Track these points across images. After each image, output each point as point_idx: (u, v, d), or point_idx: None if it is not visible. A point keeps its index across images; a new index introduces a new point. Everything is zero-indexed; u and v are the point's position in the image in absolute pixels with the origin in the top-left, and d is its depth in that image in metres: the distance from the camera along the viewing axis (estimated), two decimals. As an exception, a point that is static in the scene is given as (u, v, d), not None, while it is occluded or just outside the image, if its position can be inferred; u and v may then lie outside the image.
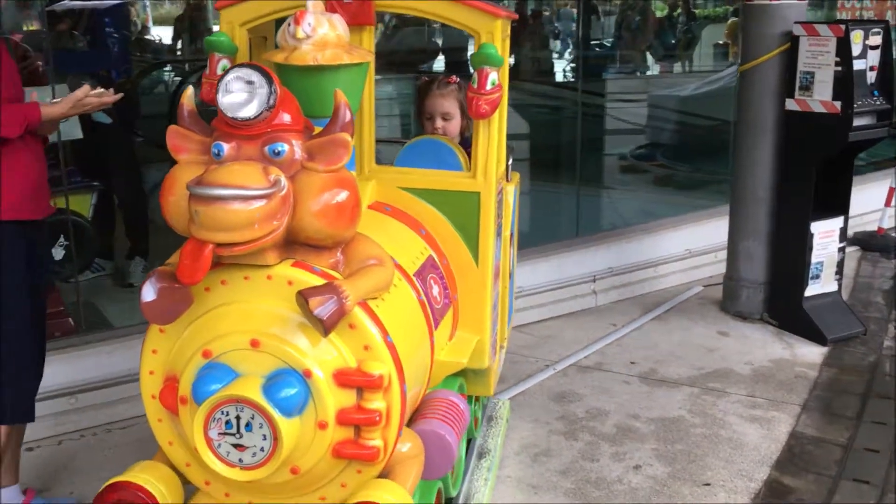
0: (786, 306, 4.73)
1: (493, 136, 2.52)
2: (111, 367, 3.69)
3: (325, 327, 1.81)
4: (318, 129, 2.03)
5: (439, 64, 9.80)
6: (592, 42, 10.59)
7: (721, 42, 10.48)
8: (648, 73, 10.72)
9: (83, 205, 4.58)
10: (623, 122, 8.53)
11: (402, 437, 2.12)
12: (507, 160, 3.17)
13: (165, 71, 7.18)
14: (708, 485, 3.28)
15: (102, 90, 2.61)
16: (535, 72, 9.10)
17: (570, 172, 5.94)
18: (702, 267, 5.60)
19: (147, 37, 7.95)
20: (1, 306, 2.58)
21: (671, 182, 8.16)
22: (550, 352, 4.53)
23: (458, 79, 3.02)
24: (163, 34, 8.17)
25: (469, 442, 3.25)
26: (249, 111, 1.88)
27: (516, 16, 2.72)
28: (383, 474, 2.05)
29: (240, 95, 1.88)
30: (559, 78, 9.16)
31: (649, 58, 10.90)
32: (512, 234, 3.24)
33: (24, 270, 2.61)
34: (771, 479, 3.33)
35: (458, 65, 9.13)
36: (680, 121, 8.84)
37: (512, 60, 9.72)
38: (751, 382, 4.15)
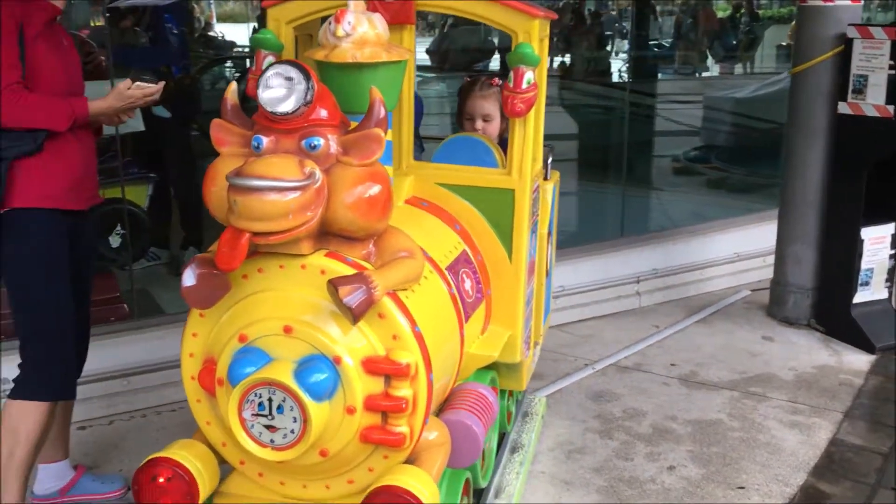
0: (834, 313, 4.67)
1: (529, 134, 2.57)
2: (162, 351, 3.82)
3: (353, 315, 1.88)
4: (355, 125, 2.10)
5: (495, 63, 9.85)
6: (651, 42, 10.54)
7: (784, 43, 10.32)
8: (707, 74, 10.62)
9: (140, 195, 4.75)
10: (676, 123, 8.46)
11: (430, 425, 2.18)
12: (547, 159, 3.21)
13: (226, 67, 7.36)
14: (742, 488, 3.27)
15: (144, 84, 2.70)
16: (588, 72, 9.09)
17: (618, 173, 5.94)
18: (750, 271, 5.54)
19: (210, 33, 8.16)
20: (31, 290, 2.68)
21: (724, 185, 8.08)
22: (590, 351, 4.54)
23: (501, 81, 3.07)
24: (226, 31, 8.38)
25: (502, 436, 3.30)
26: (287, 106, 1.95)
27: (555, 16, 2.75)
28: (410, 460, 2.11)
29: (279, 91, 1.96)
30: (612, 78, 9.11)
31: (709, 59, 10.79)
32: (550, 233, 3.28)
33: (58, 257, 2.70)
34: (807, 485, 3.30)
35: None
36: (736, 123, 8.74)
37: (567, 60, 9.74)
38: (793, 388, 4.11)
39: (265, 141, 1.99)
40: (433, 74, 9.86)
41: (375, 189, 2.00)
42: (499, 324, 2.70)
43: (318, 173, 1.94)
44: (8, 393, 2.73)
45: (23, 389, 2.70)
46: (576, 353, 4.52)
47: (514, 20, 2.48)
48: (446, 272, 2.38)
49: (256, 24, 6.95)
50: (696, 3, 10.99)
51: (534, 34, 2.48)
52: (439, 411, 2.35)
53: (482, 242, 2.64)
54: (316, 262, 2.02)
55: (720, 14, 11.57)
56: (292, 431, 1.96)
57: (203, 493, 2.11)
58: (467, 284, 2.49)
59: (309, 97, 1.96)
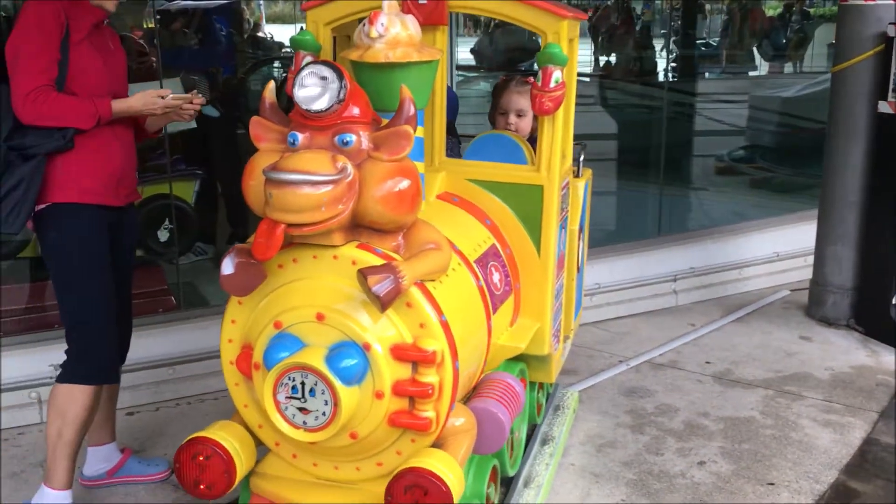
0: (873, 313, 4.64)
1: (558, 131, 2.63)
2: (206, 341, 3.95)
3: (381, 303, 1.97)
4: (386, 122, 2.19)
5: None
6: (698, 41, 10.46)
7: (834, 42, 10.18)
8: (755, 72, 10.52)
9: (187, 191, 4.91)
10: (720, 122, 8.42)
11: (457, 412, 2.26)
12: (578, 157, 3.28)
13: (274, 67, 7.53)
14: (772, 484, 3.29)
15: (188, 96, 2.81)
16: (633, 71, 9.08)
17: (657, 173, 5.95)
18: (790, 271, 5.52)
19: (259, 34, 8.34)
20: (73, 281, 2.81)
21: (769, 185, 8.02)
22: (625, 348, 4.58)
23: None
24: (275, 32, 8.55)
25: (534, 429, 3.37)
26: (321, 104, 2.05)
27: (585, 16, 2.82)
28: (437, 445, 2.19)
29: (313, 90, 2.06)
30: (657, 78, 9.08)
31: (757, 57, 10.69)
32: (581, 229, 3.34)
33: (98, 249, 2.82)
34: (838, 483, 3.31)
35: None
36: (783, 122, 8.66)
37: (612, 59, 9.73)
38: (829, 388, 4.10)
39: (300, 137, 2.09)
40: (476, 74, 9.92)
41: (404, 183, 2.08)
42: (528, 316, 2.77)
43: (350, 168, 2.03)
44: (56, 377, 2.88)
45: (69, 374, 2.85)
46: (611, 349, 4.56)
47: (544, 21, 2.55)
48: (475, 265, 2.46)
49: (304, 25, 7.10)
50: (745, 2, 10.90)
51: (562, 34, 2.55)
52: (467, 399, 2.43)
53: (511, 237, 2.72)
54: (347, 252, 2.11)
55: (770, 12, 11.45)
56: (323, 414, 2.05)
57: (240, 472, 2.22)
58: (496, 277, 2.56)
59: (342, 95, 2.05)
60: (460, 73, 7.45)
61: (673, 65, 9.66)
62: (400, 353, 2.09)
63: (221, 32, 5.44)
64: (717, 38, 11.07)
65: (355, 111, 2.10)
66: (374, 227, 2.12)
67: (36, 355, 3.71)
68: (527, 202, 2.69)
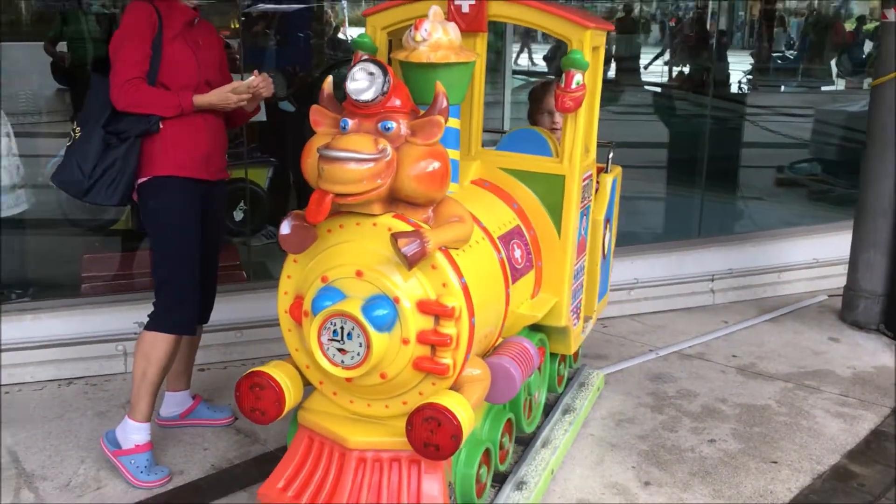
0: (902, 319, 4.83)
1: (580, 128, 2.98)
2: (271, 310, 4.37)
3: (409, 262, 2.36)
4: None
5: (606, 72, 10.12)
6: (775, 54, 10.56)
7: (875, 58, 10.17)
8: (831, 87, 10.55)
9: (261, 177, 5.40)
10: (775, 133, 8.56)
11: (474, 364, 2.63)
12: (608, 154, 3.62)
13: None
14: (775, 462, 3.56)
15: (252, 83, 3.22)
16: (703, 82, 9.22)
17: (711, 181, 6.17)
18: (830, 277, 5.70)
19: (339, 36, 8.85)
20: (166, 245, 3.27)
21: (827, 197, 8.13)
22: (657, 339, 4.87)
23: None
24: (355, 34, 9.04)
25: (556, 400, 3.71)
26: (368, 95, 2.45)
27: (611, 27, 3.16)
28: (454, 389, 2.56)
29: (362, 83, 2.46)
30: (722, 90, 9.20)
31: (834, 72, 10.71)
32: (609, 220, 3.67)
33: (189, 217, 3.27)
34: (838, 465, 3.56)
35: (626, 72, 9.47)
36: (846, 136, 8.74)
37: (686, 70, 9.92)
38: (848, 384, 4.33)
39: (350, 123, 2.49)
40: (535, 79, 10.16)
41: (435, 165, 2.47)
42: (548, 291, 3.12)
43: (389, 150, 2.42)
44: (144, 325, 3.36)
45: (155, 323, 3.31)
46: (643, 339, 4.86)
47: (569, 30, 2.90)
48: (498, 241, 2.82)
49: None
50: (828, 17, 10.94)
51: (586, 42, 2.90)
52: (486, 356, 2.80)
53: (535, 220, 3.08)
54: (385, 221, 2.50)
55: (849, 27, 11.45)
56: (358, 354, 2.45)
57: (288, 403, 2.63)
58: (517, 253, 2.93)
59: (385, 88, 2.44)
60: (520, 76, 7.79)
61: (748, 77, 9.82)
62: (424, 307, 2.47)
63: (299, 34, 5.92)
64: (793, 52, 11.14)
65: (397, 102, 2.49)
66: (408, 200, 2.51)
67: (122, 313, 4.23)
68: (550, 190, 3.04)
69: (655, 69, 9.60)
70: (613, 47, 10.20)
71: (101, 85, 3.17)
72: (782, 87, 10.53)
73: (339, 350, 2.47)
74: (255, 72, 3.26)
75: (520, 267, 2.93)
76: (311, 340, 2.48)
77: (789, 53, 11.28)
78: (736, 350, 4.75)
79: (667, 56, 9.69)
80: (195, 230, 3.31)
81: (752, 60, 10.27)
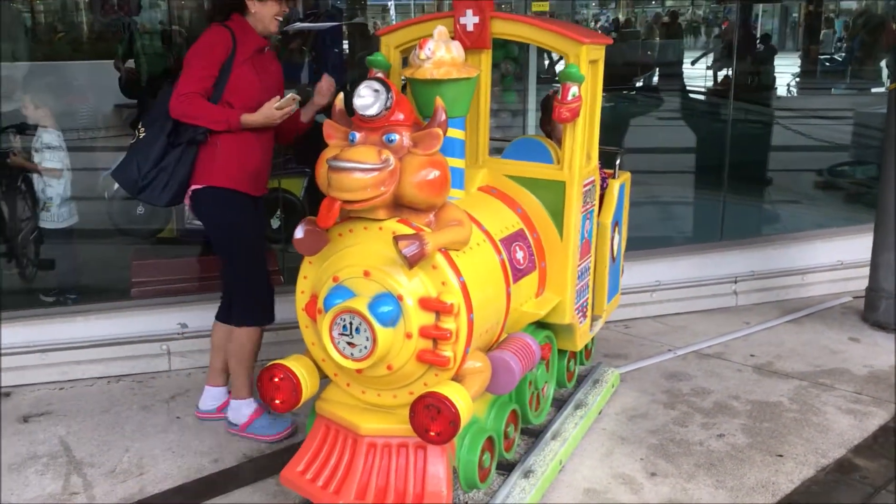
0: (922, 319, 4.88)
1: (578, 137, 3.17)
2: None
3: (408, 262, 2.57)
4: None
5: (654, 79, 10.22)
6: (822, 56, 10.52)
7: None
8: (880, 89, 10.48)
9: (296, 186, 5.68)
10: (805, 136, 8.57)
11: (475, 357, 2.84)
12: (616, 160, 3.80)
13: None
14: (780, 455, 3.69)
15: (284, 100, 3.50)
16: (747, 87, 9.25)
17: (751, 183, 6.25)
18: (855, 279, 5.73)
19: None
20: (232, 250, 3.61)
21: (863, 199, 8.12)
22: (677, 339, 5.00)
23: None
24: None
25: (570, 395, 3.90)
26: (372, 110, 2.68)
27: (610, 40, 3.35)
28: (455, 380, 2.77)
29: (367, 99, 2.69)
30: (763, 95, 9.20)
31: (884, 73, 10.64)
32: (618, 224, 3.84)
33: (245, 225, 3.57)
34: (843, 459, 3.66)
35: (671, 77, 9.57)
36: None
37: (726, 73, 9.93)
38: (862, 382, 4.41)
39: (358, 135, 2.72)
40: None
41: (435, 173, 2.69)
42: (552, 290, 3.31)
43: (392, 160, 2.64)
44: (233, 322, 3.72)
45: (240, 320, 3.70)
46: (663, 340, 5.00)
47: (566, 45, 3.10)
48: (499, 243, 3.03)
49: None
50: (878, 16, 10.85)
51: (582, 57, 3.09)
52: (489, 351, 3.00)
53: (539, 223, 3.27)
54: (390, 225, 2.73)
55: (898, 28, 11.33)
56: (366, 347, 2.67)
57: (305, 394, 2.87)
58: (519, 255, 3.13)
59: (388, 104, 2.67)
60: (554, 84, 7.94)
61: (794, 79, 9.80)
62: (425, 304, 2.68)
63: (333, 51, 6.20)
64: (842, 54, 11.07)
65: (400, 116, 2.71)
66: (411, 206, 2.73)
67: (166, 315, 4.54)
68: (552, 195, 3.24)
69: (698, 72, 9.66)
70: (655, 54, 10.32)
71: (168, 93, 3.51)
72: (832, 90, 10.50)
73: (349, 343, 2.70)
74: (291, 95, 3.53)
75: (522, 268, 3.13)
76: (324, 335, 2.72)
77: (838, 56, 11.22)
78: (755, 350, 4.86)
79: (710, 60, 9.73)
80: (253, 234, 3.61)
81: (798, 63, 10.27)
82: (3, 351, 4.29)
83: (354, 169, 2.58)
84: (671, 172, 7.29)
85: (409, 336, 2.69)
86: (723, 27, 10.67)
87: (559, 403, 3.84)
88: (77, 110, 5.70)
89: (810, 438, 3.83)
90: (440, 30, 3.00)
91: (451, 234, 2.72)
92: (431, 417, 2.62)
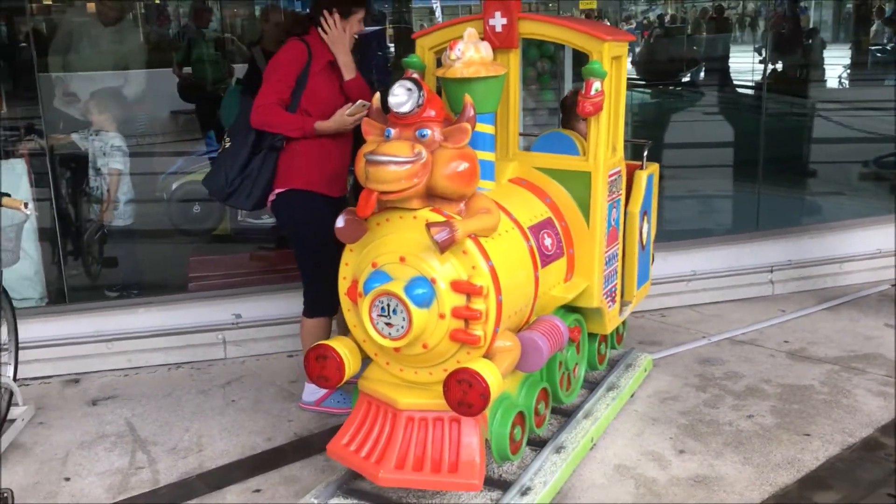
0: (957, 304, 4.93)
1: (602, 130, 3.34)
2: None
3: (440, 247, 2.78)
4: None
5: (700, 74, 10.27)
6: (873, 47, 10.45)
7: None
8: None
9: (342, 184, 5.94)
10: (857, 130, 8.56)
11: (504, 336, 3.03)
12: (643, 153, 3.96)
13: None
14: (808, 435, 3.81)
15: (355, 107, 3.74)
16: (796, 80, 9.26)
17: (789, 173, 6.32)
18: (894, 268, 5.80)
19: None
20: (305, 248, 3.87)
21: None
22: (712, 327, 5.13)
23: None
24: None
25: (603, 378, 4.07)
26: (406, 108, 2.89)
27: (632, 37, 3.52)
28: (487, 358, 2.97)
29: (401, 97, 2.91)
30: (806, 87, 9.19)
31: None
32: (646, 213, 4.00)
33: (321, 226, 3.72)
34: (870, 438, 3.77)
35: (716, 72, 9.63)
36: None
37: (780, 67, 9.93)
38: (894, 367, 4.49)
39: (392, 131, 2.94)
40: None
41: (464, 165, 2.89)
42: (580, 276, 3.50)
43: (424, 153, 2.86)
44: (303, 314, 3.98)
45: (311, 311, 3.95)
46: (698, 327, 5.13)
47: (589, 43, 3.28)
48: (527, 230, 3.22)
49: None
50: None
51: (604, 53, 3.27)
52: (519, 331, 3.19)
53: (567, 212, 3.46)
54: (423, 214, 2.94)
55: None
56: (402, 327, 2.89)
57: (348, 372, 3.09)
58: (547, 241, 3.32)
59: (420, 101, 2.89)
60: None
61: (845, 71, 9.76)
62: (457, 286, 2.89)
63: (377, 53, 6.45)
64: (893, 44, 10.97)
65: (431, 113, 2.92)
66: (443, 196, 2.94)
67: (222, 307, 4.83)
68: (578, 185, 3.42)
69: (745, 66, 9.68)
70: (702, 49, 10.37)
71: (249, 104, 3.81)
72: (884, 81, 10.41)
73: (387, 324, 2.92)
74: (360, 102, 3.77)
75: (550, 254, 3.32)
76: (364, 316, 2.94)
77: (889, 45, 11.12)
78: (789, 336, 4.96)
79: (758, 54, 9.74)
80: (327, 232, 3.81)
81: (849, 54, 10.23)
82: (72, 340, 4.62)
83: (389, 162, 2.80)
84: (714, 166, 7.39)
85: (441, 316, 2.90)
86: (771, 20, 10.65)
87: (592, 385, 4.02)
88: (136, 116, 6.03)
89: (838, 419, 3.94)
90: (470, 31, 3.21)
91: (480, 222, 2.93)
92: (463, 391, 2.83)
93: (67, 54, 5.53)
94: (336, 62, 3.85)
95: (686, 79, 10.32)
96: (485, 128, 3.24)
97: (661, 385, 4.34)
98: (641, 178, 3.92)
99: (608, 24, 8.49)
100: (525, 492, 3.20)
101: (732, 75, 9.33)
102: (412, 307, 2.86)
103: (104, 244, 5.39)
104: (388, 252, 2.97)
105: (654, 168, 4.07)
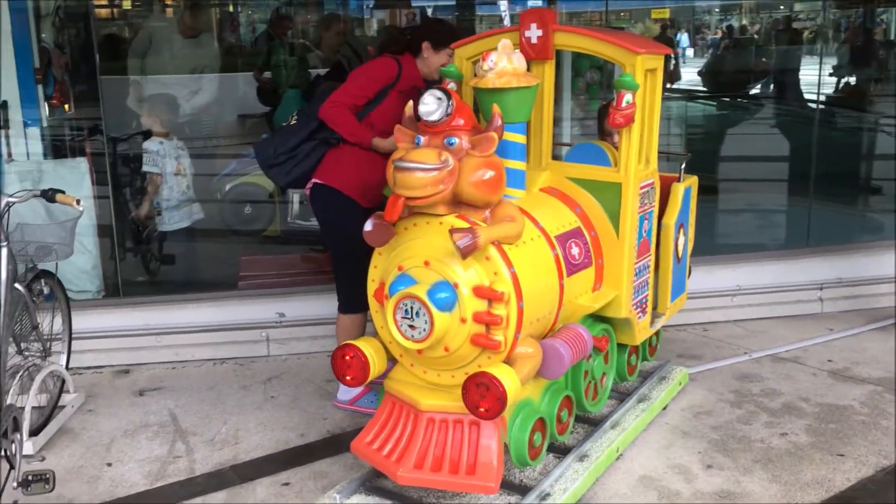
0: None
1: (634, 141, 3.36)
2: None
3: (462, 253, 2.85)
4: None
5: (767, 85, 10.10)
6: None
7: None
8: None
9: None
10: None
11: (526, 343, 3.08)
12: (681, 165, 3.96)
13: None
14: (841, 455, 3.74)
15: None
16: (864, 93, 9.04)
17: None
18: (954, 289, 5.64)
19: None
20: (338, 245, 4.00)
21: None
22: (755, 343, 5.06)
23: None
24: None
25: (634, 390, 4.07)
26: (435, 116, 2.97)
27: (669, 50, 3.52)
28: (507, 363, 3.03)
29: (431, 106, 2.99)
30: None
31: None
32: (682, 225, 4.00)
33: (344, 227, 3.90)
34: (905, 461, 3.70)
35: (784, 86, 9.46)
36: None
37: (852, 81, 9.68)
38: (941, 389, 4.38)
39: (422, 139, 3.02)
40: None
41: (490, 174, 2.96)
42: (609, 286, 3.52)
43: (451, 161, 2.93)
44: (340, 309, 4.09)
45: (346, 308, 4.07)
46: (741, 343, 5.07)
47: (621, 55, 3.31)
48: (554, 239, 3.26)
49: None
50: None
51: (637, 66, 3.29)
52: (542, 338, 3.23)
53: (597, 222, 3.49)
54: (449, 220, 3.01)
55: None
56: (424, 330, 2.96)
57: (373, 372, 3.18)
58: (574, 251, 3.35)
59: (449, 111, 2.96)
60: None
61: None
62: (479, 291, 2.95)
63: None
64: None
65: (460, 122, 3.00)
66: (469, 203, 3.00)
67: (266, 305, 4.98)
68: (609, 195, 3.45)
69: (814, 78, 9.49)
70: (771, 60, 10.19)
71: (326, 92, 3.97)
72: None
73: (410, 326, 3.00)
74: None
75: (577, 263, 3.35)
76: (388, 318, 3.03)
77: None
78: (833, 355, 4.87)
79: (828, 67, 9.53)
80: (357, 232, 3.93)
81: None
82: (124, 333, 4.83)
83: (416, 169, 2.88)
84: (772, 180, 7.29)
85: (463, 321, 2.97)
86: (846, 33, 10.41)
87: (623, 397, 4.02)
88: (199, 120, 6.25)
89: (875, 441, 3.86)
90: (504, 42, 3.27)
91: (503, 229, 2.98)
92: (481, 395, 2.88)
93: (139, 58, 5.78)
94: (418, 89, 3.96)
95: (755, 90, 10.16)
96: (515, 137, 3.30)
97: (695, 399, 4.31)
98: (678, 190, 3.92)
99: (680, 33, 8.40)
100: (544, 497, 3.24)
101: (801, 88, 9.15)
102: (434, 310, 2.93)
103: (162, 242, 5.60)
104: (413, 256, 3.05)
105: (691, 181, 4.06)
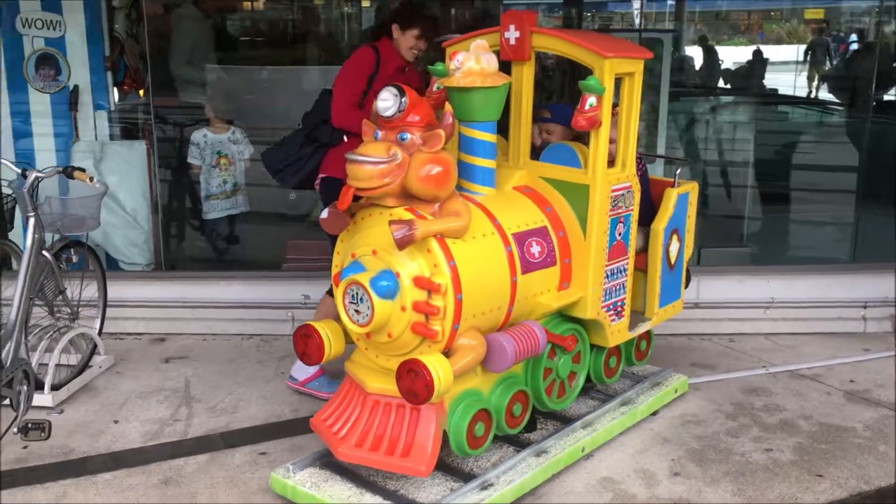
0: None
1: (601, 144, 3.37)
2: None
3: (397, 244, 2.97)
4: (465, 129, 3.26)
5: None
6: None
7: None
8: None
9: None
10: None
11: (468, 335, 3.17)
12: (676, 169, 3.93)
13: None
14: (820, 476, 3.62)
15: None
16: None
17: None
18: None
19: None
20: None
21: None
22: (778, 357, 4.91)
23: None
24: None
25: (618, 393, 4.07)
26: (389, 112, 3.11)
27: (649, 54, 3.51)
28: (447, 353, 3.13)
29: (388, 102, 3.12)
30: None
31: None
32: (675, 231, 3.95)
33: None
34: (887, 489, 3.53)
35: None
36: None
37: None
38: (959, 420, 4.13)
39: (380, 134, 3.17)
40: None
41: (437, 169, 3.07)
42: (575, 286, 3.54)
43: (399, 154, 3.05)
44: (327, 291, 4.26)
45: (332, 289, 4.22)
46: (764, 356, 4.93)
47: (590, 58, 3.33)
48: (510, 236, 3.33)
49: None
50: None
51: (605, 69, 3.30)
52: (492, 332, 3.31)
53: (566, 223, 3.52)
54: (398, 212, 3.14)
55: None
56: (367, 315, 3.10)
57: (328, 353, 3.34)
58: (535, 249, 3.40)
59: (402, 107, 3.08)
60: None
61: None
62: (418, 282, 3.07)
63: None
64: None
65: (415, 118, 3.11)
66: (418, 197, 3.12)
67: (293, 287, 5.24)
68: (577, 197, 3.48)
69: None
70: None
71: (326, 99, 4.19)
72: None
73: (356, 311, 3.15)
74: None
75: (536, 261, 3.40)
76: (338, 301, 3.19)
77: None
78: (858, 376, 4.67)
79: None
80: None
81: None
82: (164, 304, 5.21)
83: (364, 162, 3.03)
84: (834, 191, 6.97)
85: (403, 309, 3.09)
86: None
87: (609, 398, 4.03)
88: (262, 109, 6.59)
89: (863, 465, 3.71)
90: (477, 42, 3.36)
91: (444, 223, 3.09)
92: (411, 380, 3.01)
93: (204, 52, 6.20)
94: (405, 68, 4.15)
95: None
96: (484, 136, 3.39)
97: (690, 408, 4.25)
98: (671, 196, 3.88)
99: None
100: (486, 486, 3.32)
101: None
102: (375, 297, 3.07)
103: (215, 225, 5.96)
104: (364, 245, 3.20)
105: (689, 187, 4.01)
